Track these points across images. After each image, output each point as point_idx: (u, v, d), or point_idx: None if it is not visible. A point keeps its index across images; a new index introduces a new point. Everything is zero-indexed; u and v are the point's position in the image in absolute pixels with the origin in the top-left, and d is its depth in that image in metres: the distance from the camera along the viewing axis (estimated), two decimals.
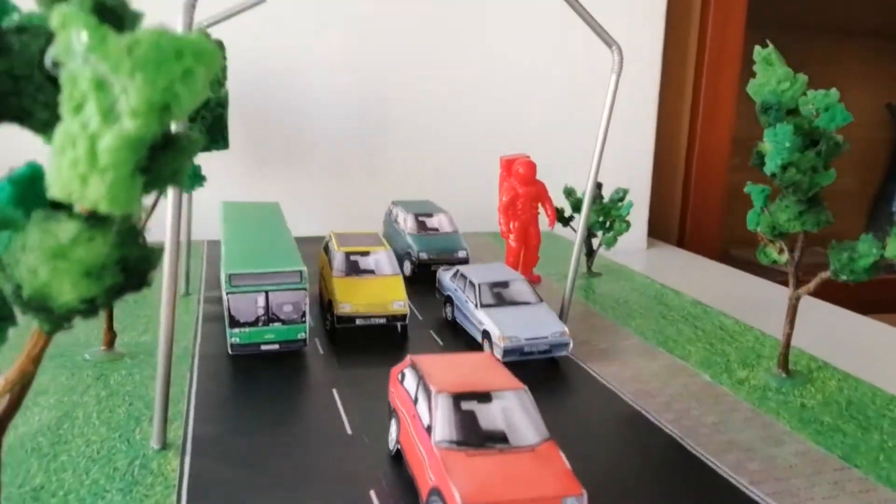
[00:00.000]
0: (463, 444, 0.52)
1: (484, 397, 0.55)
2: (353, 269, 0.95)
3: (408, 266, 1.15)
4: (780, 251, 0.78)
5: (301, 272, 0.82)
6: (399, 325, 0.91)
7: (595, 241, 1.21)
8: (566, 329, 0.84)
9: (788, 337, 0.80)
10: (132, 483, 0.55)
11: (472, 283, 0.91)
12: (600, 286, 1.16)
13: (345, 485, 0.58)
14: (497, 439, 0.53)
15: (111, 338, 0.79)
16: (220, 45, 0.81)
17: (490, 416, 0.54)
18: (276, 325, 0.82)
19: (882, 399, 0.76)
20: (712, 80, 1.78)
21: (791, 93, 0.70)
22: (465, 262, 1.14)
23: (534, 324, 0.84)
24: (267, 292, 0.81)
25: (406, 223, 1.20)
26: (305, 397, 0.75)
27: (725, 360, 0.86)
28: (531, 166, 1.12)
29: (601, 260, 1.28)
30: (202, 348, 0.84)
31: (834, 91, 0.73)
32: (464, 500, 0.46)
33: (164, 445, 0.61)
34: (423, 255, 1.14)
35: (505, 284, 0.91)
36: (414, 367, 0.61)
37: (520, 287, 0.91)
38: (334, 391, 0.75)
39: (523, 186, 1.12)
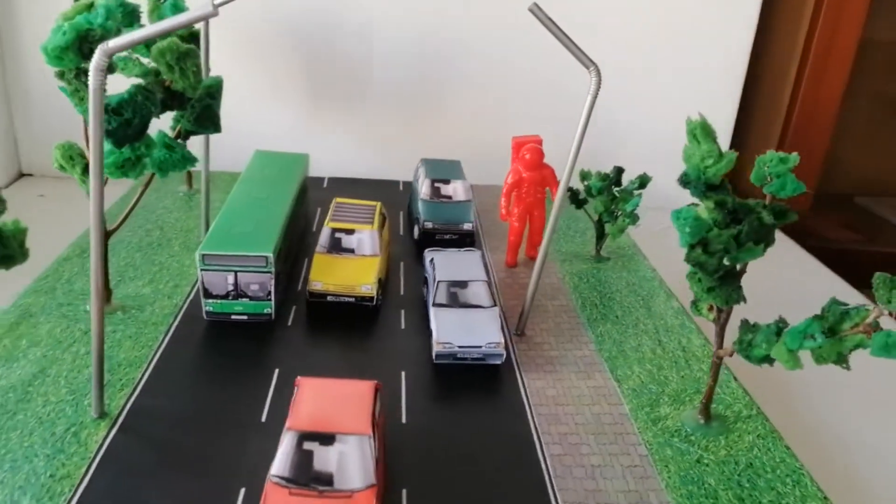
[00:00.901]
0: (290, 482, 0.60)
1: (328, 439, 0.63)
2: (335, 246, 1.02)
3: (416, 231, 1.21)
4: (710, 309, 0.76)
5: (267, 257, 0.91)
6: (369, 305, 0.99)
7: (608, 227, 1.20)
8: (501, 341, 0.88)
9: (711, 389, 0.80)
10: (58, 451, 0.69)
11: (433, 278, 0.96)
12: (597, 275, 1.16)
13: (239, 475, 0.68)
14: (323, 481, 0.60)
15: (108, 294, 0.94)
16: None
17: (325, 457, 0.62)
18: (244, 300, 0.93)
19: (785, 469, 0.75)
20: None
21: (714, 170, 0.66)
22: (469, 234, 1.18)
23: (473, 331, 0.89)
24: (236, 272, 0.91)
25: (422, 186, 1.24)
26: (248, 375, 0.85)
27: (659, 391, 0.87)
28: (537, 152, 1.11)
29: (626, 237, 1.27)
30: (189, 309, 0.96)
31: (793, 157, 0.69)
32: None
33: (101, 415, 0.74)
34: (428, 224, 1.18)
35: (463, 284, 0.95)
36: (296, 390, 0.69)
37: (477, 289, 0.94)
38: (276, 371, 0.86)
39: (528, 171, 1.12)
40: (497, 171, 1.27)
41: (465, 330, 0.89)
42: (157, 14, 1.10)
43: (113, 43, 0.61)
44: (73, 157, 0.85)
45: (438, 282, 0.94)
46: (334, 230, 1.03)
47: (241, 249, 0.91)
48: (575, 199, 1.18)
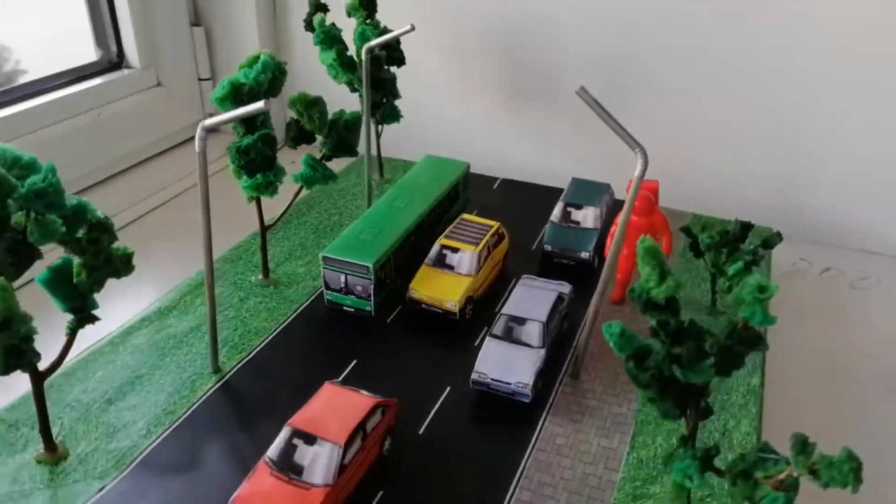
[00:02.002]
0: (274, 464, 0.81)
1: (311, 439, 0.82)
2: (439, 261, 1.18)
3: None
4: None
5: (368, 267, 1.11)
6: (454, 318, 1.14)
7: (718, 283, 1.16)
8: (529, 383, 0.97)
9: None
10: (176, 391, 0.99)
11: (500, 309, 1.07)
12: None
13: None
14: (295, 471, 0.80)
15: (266, 271, 1.22)
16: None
17: (304, 453, 0.81)
18: (352, 297, 1.15)
19: None
20: None
21: (656, 293, 0.67)
22: (587, 263, 1.24)
23: (510, 368, 0.99)
24: (346, 274, 1.13)
25: (555, 208, 1.31)
26: (337, 356, 1.07)
27: (663, 470, 0.89)
28: (646, 199, 1.12)
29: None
30: (321, 294, 1.21)
31: (773, 287, 0.67)
32: (233, 500, 0.78)
33: (216, 370, 1.03)
34: (548, 247, 1.27)
35: (521, 321, 1.04)
36: (317, 392, 0.89)
37: (531, 329, 1.03)
38: (354, 361, 1.07)
39: (636, 216, 1.13)
40: (680, 194, 1.31)
41: (503, 365, 1.00)
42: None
43: (209, 122, 0.84)
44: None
45: (500, 314, 1.05)
46: (443, 246, 1.19)
47: (350, 257, 1.12)
48: (694, 246, 1.16)
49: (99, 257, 0.79)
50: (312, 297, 1.19)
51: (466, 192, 1.45)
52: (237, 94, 1.00)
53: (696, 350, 0.68)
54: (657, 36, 1.51)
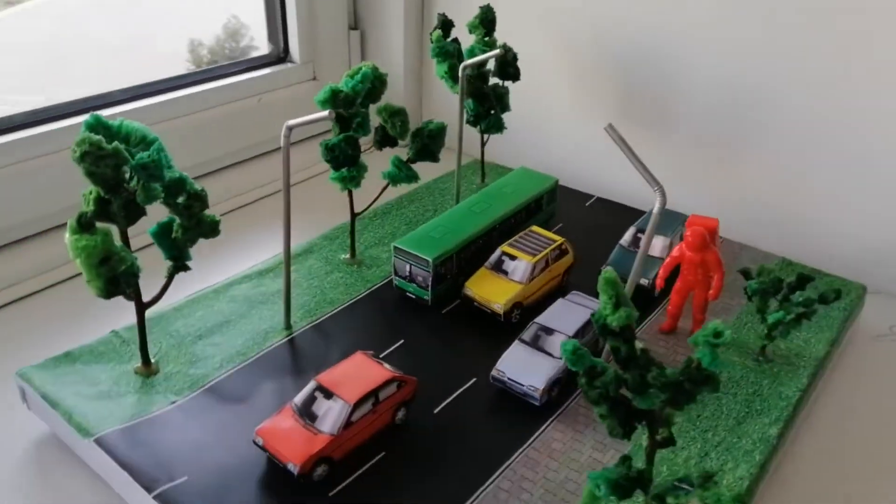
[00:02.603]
0: (297, 409, 0.98)
1: (329, 394, 0.98)
2: (497, 265, 1.29)
3: None
4: None
5: (428, 261, 1.24)
6: (499, 320, 1.24)
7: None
8: (540, 388, 1.06)
9: None
10: (252, 339, 1.19)
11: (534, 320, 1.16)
12: (740, 371, 1.15)
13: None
14: (311, 418, 0.97)
15: (353, 252, 1.40)
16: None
17: (321, 405, 0.97)
18: (414, 285, 1.29)
19: None
20: None
21: (611, 320, 0.74)
22: (645, 290, 1.29)
23: (526, 371, 1.08)
24: (410, 265, 1.28)
25: (627, 232, 1.36)
26: (387, 334, 1.22)
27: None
28: (699, 235, 1.15)
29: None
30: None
31: (727, 335, 0.72)
32: (256, 432, 0.96)
33: (287, 328, 1.22)
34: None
35: (550, 332, 1.13)
36: (350, 357, 1.05)
37: (557, 340, 1.11)
38: (402, 340, 1.21)
39: (689, 251, 1.16)
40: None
41: (521, 368, 1.09)
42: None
43: (292, 122, 1.02)
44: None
45: (532, 322, 1.15)
46: (503, 253, 1.29)
47: (415, 249, 1.26)
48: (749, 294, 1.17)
49: (191, 220, 1.00)
50: (385, 280, 1.35)
51: (552, 205, 1.54)
52: (335, 99, 1.18)
53: (640, 379, 0.74)
54: (782, 74, 1.49)
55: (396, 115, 1.19)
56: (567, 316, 1.16)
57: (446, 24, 1.54)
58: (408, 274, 1.29)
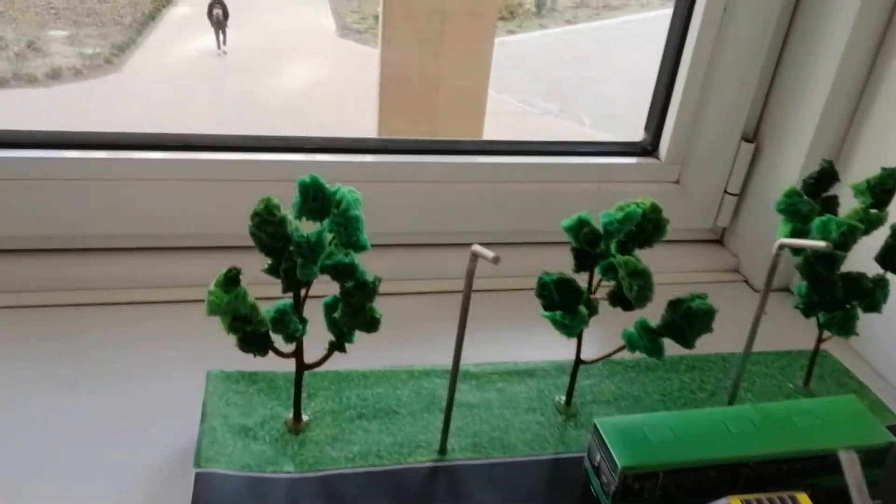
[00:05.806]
0: None
1: None
2: None
3: None
4: None
5: (618, 466, 0.96)
6: None
7: None
8: None
9: None
10: (396, 443, 1.08)
11: None
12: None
13: None
14: None
15: (569, 399, 1.16)
16: None
17: None
18: (598, 481, 1.01)
19: None
20: None
21: None
22: None
23: None
24: (601, 455, 1.00)
25: None
26: None
27: None
28: None
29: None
30: None
31: None
32: None
33: (442, 451, 1.07)
34: None
35: None
36: None
37: None
38: None
39: None
40: None
41: None
42: None
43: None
44: None
45: None
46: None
47: (610, 442, 0.98)
48: None
49: (348, 308, 0.93)
50: (580, 453, 1.10)
51: (875, 472, 1.04)
52: (578, 230, 0.97)
53: None
54: None
55: (637, 276, 0.92)
56: None
57: (824, 176, 1.16)
58: (597, 465, 1.02)
